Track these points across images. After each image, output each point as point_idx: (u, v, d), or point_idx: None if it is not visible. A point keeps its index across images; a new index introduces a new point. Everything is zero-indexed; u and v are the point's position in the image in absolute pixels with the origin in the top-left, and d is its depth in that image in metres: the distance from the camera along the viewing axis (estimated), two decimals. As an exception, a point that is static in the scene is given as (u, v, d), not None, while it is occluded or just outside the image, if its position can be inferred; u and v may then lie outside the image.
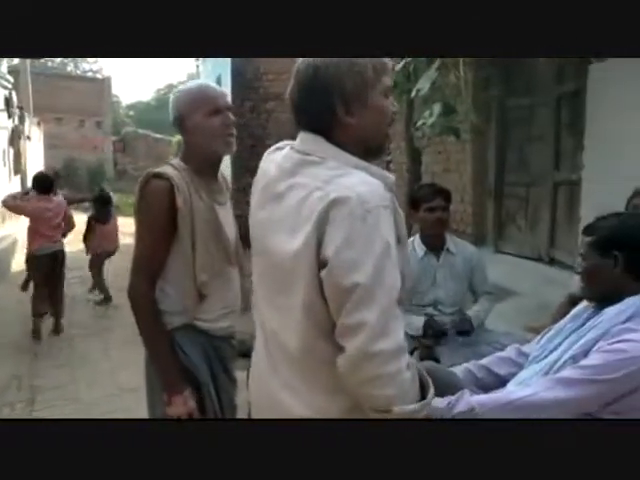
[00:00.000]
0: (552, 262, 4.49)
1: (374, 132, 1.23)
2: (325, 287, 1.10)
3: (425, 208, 2.88)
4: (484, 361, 1.95)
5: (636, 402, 1.55)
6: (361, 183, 1.11)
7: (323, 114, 1.19)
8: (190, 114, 1.82)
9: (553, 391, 1.58)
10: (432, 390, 1.22)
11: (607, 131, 3.54)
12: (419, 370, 1.23)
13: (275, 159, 1.28)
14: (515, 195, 5.01)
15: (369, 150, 1.23)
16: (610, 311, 1.63)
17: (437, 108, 3.35)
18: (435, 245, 2.96)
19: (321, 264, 1.10)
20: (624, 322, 1.59)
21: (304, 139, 1.24)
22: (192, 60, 20.88)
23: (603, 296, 1.69)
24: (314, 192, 1.12)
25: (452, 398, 1.58)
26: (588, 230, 1.73)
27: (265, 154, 1.36)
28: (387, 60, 1.24)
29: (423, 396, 1.19)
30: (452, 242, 3.02)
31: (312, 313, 1.13)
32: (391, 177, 1.22)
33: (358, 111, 1.19)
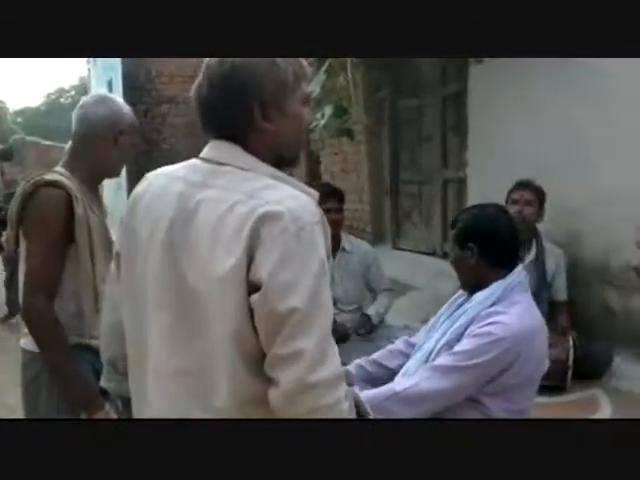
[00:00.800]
0: (445, 256, 4.68)
1: (290, 141, 1.13)
2: (257, 314, 0.96)
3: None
4: (375, 355, 2.00)
5: (508, 380, 1.63)
6: (290, 197, 1.01)
7: (238, 118, 1.08)
8: (102, 132, 1.75)
9: (432, 380, 1.63)
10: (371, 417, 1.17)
11: (488, 130, 3.75)
12: (356, 396, 1.16)
13: (173, 176, 1.12)
14: (409, 193, 5.19)
15: (282, 160, 1.13)
16: (478, 296, 1.72)
17: (328, 110, 3.40)
18: (331, 245, 3.00)
19: (251, 288, 0.96)
20: (490, 306, 1.67)
21: (216, 147, 1.10)
22: (83, 62, 19.87)
23: (470, 284, 1.78)
24: (236, 206, 0.99)
25: (340, 395, 1.61)
26: (452, 224, 1.84)
27: (148, 180, 1.17)
28: (306, 66, 1.16)
29: None
30: (348, 241, 3.07)
31: (241, 345, 0.99)
32: (315, 192, 1.11)
33: (276, 117, 1.09)
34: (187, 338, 1.04)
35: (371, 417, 1.15)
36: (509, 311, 1.64)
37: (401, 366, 1.89)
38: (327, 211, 2.87)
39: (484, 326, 1.62)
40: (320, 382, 0.95)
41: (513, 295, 1.69)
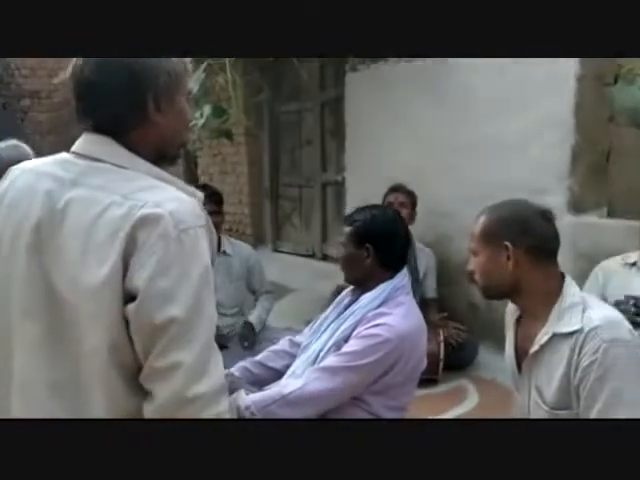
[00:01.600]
0: (325, 258, 4.79)
1: (176, 137, 1.07)
2: (132, 324, 0.90)
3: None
4: (259, 357, 1.97)
5: (392, 379, 1.69)
6: (171, 199, 0.94)
7: (127, 107, 0.99)
8: None
9: (320, 382, 1.65)
10: None
11: (364, 135, 3.89)
12: (238, 408, 1.11)
13: (40, 171, 1.01)
14: (289, 196, 5.25)
15: (164, 158, 1.06)
16: (366, 298, 1.76)
17: (207, 110, 3.33)
18: None
19: (127, 297, 0.90)
20: (378, 307, 1.72)
21: (91, 140, 1.01)
22: None
23: (359, 282, 1.82)
24: (110, 208, 0.91)
25: (229, 398, 1.58)
26: (347, 220, 1.85)
27: (12, 175, 1.05)
28: (189, 61, 1.10)
29: None
30: (228, 244, 3.03)
31: (117, 358, 0.92)
32: (200, 193, 1.06)
33: (167, 110, 1.02)
34: (59, 349, 0.95)
35: None
36: (394, 312, 1.69)
37: (286, 366, 1.88)
38: (205, 214, 2.84)
39: (371, 327, 1.66)
40: (199, 396, 0.90)
41: (398, 296, 1.75)
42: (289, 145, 5.20)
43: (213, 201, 2.90)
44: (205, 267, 0.94)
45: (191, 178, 5.84)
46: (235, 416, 1.05)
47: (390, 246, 1.79)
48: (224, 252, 2.97)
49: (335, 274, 4.21)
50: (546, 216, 1.38)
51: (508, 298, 1.44)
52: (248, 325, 2.88)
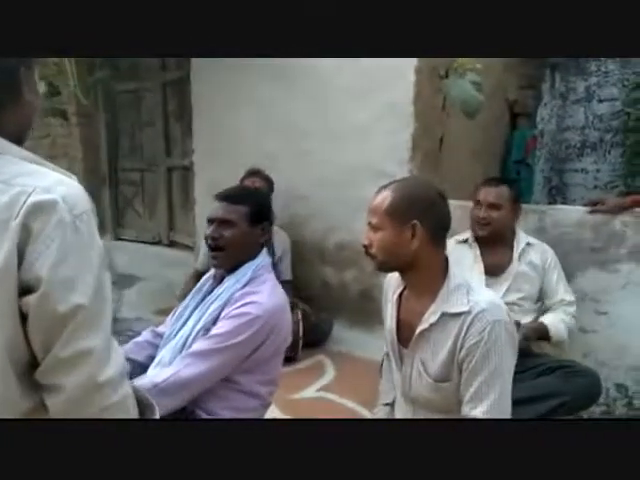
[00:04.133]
0: (172, 245, 4.66)
1: (31, 120, 1.01)
2: (33, 316, 0.85)
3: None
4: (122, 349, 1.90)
5: (262, 355, 1.72)
6: (59, 183, 0.90)
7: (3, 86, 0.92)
8: None
9: (192, 366, 1.63)
10: (156, 409, 1.10)
11: (213, 119, 3.82)
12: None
13: None
14: (130, 181, 4.99)
15: (20, 142, 0.99)
16: (229, 280, 1.75)
17: (41, 88, 3.04)
18: None
19: (23, 289, 0.85)
20: (243, 287, 1.72)
21: None
22: None
23: (238, 261, 1.78)
24: None
25: None
26: (234, 198, 1.77)
27: None
28: None
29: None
30: None
31: (13, 355, 0.87)
32: (73, 176, 1.01)
33: (33, 88, 0.96)
34: None
35: (156, 409, 1.11)
36: (261, 290, 1.71)
37: (150, 357, 1.82)
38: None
39: (240, 307, 1.66)
40: (109, 380, 0.90)
41: (262, 275, 1.76)
42: (128, 127, 4.94)
43: None
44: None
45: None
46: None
47: (269, 224, 1.82)
48: None
49: (184, 261, 4.15)
50: (443, 196, 1.44)
51: (400, 272, 1.49)
52: None
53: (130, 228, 5.04)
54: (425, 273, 1.44)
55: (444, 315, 1.40)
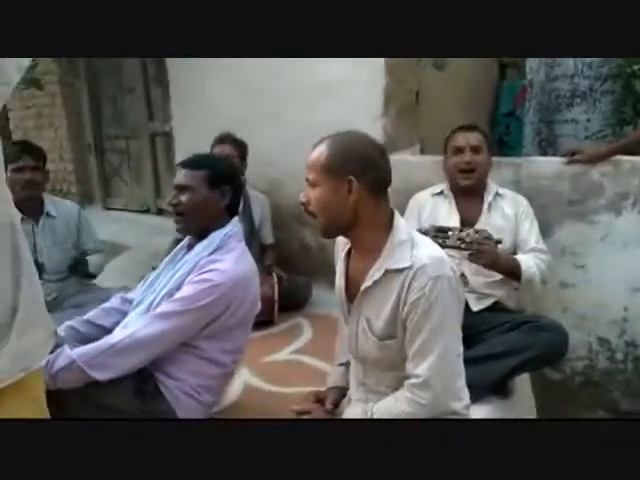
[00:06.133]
0: (160, 212, 4.63)
1: None
2: None
3: (12, 169, 2.56)
4: (88, 315, 1.91)
5: (224, 323, 1.72)
6: None
7: None
8: None
9: (150, 327, 1.63)
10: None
11: (188, 82, 3.74)
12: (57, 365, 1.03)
13: None
14: (116, 149, 4.94)
15: None
16: (198, 247, 1.76)
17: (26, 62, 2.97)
18: (31, 210, 2.68)
19: None
20: (210, 254, 1.73)
21: None
22: None
23: (204, 229, 1.78)
24: None
25: (50, 357, 1.52)
26: (192, 164, 1.77)
27: None
28: None
29: None
30: (52, 204, 2.76)
31: None
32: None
33: None
34: None
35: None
36: (226, 258, 1.70)
37: (117, 323, 1.83)
38: (21, 170, 2.56)
39: (203, 273, 1.67)
40: None
41: (230, 243, 1.76)
42: (110, 94, 4.86)
43: (30, 156, 2.62)
44: None
45: (2, 133, 5.25)
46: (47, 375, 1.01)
47: (236, 189, 1.81)
48: (47, 214, 2.71)
49: (172, 228, 4.12)
50: (382, 150, 1.39)
51: (344, 234, 1.44)
52: (81, 259, 2.72)
53: (119, 197, 5.01)
54: (368, 230, 1.39)
55: (388, 272, 1.36)
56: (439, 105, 3.20)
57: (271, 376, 2.33)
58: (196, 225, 1.80)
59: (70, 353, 1.58)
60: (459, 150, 2.26)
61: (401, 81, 2.90)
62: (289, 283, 3.02)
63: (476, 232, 2.03)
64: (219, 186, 1.76)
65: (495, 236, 2.08)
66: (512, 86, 3.90)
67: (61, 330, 1.80)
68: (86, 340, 1.81)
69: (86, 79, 4.88)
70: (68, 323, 1.86)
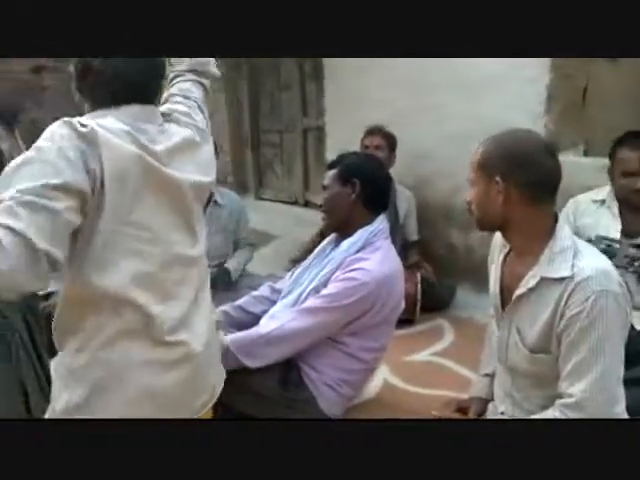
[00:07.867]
0: (307, 204, 4.78)
1: None
2: None
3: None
4: (240, 302, 2.02)
5: (368, 321, 1.75)
6: None
7: None
8: None
9: (297, 321, 1.71)
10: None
11: (343, 78, 3.80)
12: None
13: None
14: (270, 142, 5.17)
15: None
16: (345, 244, 1.80)
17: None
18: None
19: None
20: (356, 252, 1.76)
21: None
22: None
23: (341, 223, 1.84)
24: None
25: None
26: (332, 164, 1.89)
27: None
28: None
29: None
30: (219, 194, 2.93)
31: None
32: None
33: None
34: None
35: None
36: (371, 257, 1.73)
37: (265, 311, 1.93)
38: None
39: (349, 272, 1.71)
40: None
41: (376, 241, 1.79)
42: (268, 90, 5.09)
43: None
44: None
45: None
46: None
47: (375, 184, 1.83)
48: (215, 202, 2.87)
49: (317, 221, 4.23)
50: (549, 150, 1.30)
51: (500, 232, 1.40)
52: (225, 269, 2.86)
53: (269, 188, 5.25)
54: (524, 234, 1.32)
55: (544, 280, 1.28)
56: (609, 103, 2.93)
57: (411, 376, 2.31)
58: (335, 221, 1.87)
59: (224, 339, 1.68)
60: (630, 174, 2.02)
61: (567, 77, 2.70)
62: (433, 283, 2.96)
63: None
64: (349, 180, 1.81)
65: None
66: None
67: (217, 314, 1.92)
68: (236, 324, 1.93)
69: (247, 75, 5.15)
70: (223, 308, 1.98)
